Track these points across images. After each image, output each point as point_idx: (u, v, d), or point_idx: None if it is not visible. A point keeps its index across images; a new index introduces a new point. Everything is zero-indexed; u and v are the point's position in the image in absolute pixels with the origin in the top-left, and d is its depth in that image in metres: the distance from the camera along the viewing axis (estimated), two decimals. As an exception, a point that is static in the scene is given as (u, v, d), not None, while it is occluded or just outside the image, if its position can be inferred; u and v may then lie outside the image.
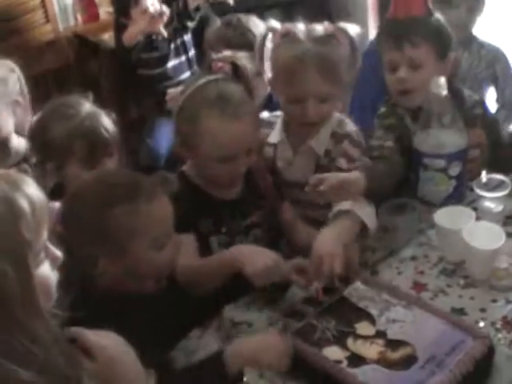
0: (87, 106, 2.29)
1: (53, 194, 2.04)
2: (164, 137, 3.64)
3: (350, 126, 2.29)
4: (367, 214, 2.02)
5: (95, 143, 2.22)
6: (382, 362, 1.60)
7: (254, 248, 1.93)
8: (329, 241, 1.90)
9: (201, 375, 1.61)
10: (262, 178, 2.19)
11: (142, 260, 1.71)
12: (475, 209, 2.10)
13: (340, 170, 2.17)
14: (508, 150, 2.41)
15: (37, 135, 2.30)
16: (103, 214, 1.66)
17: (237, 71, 2.05)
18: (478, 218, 2.02)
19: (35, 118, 2.37)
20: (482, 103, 2.52)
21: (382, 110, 2.43)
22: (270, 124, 2.35)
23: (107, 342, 1.32)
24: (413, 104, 2.33)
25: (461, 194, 2.20)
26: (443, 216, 2.01)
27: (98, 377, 1.29)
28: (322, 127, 2.24)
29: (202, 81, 2.01)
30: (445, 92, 2.14)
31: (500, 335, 1.75)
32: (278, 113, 2.36)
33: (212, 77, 2.02)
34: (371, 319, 1.73)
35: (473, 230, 1.93)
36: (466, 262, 1.96)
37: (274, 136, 2.32)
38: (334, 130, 2.26)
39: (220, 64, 2.06)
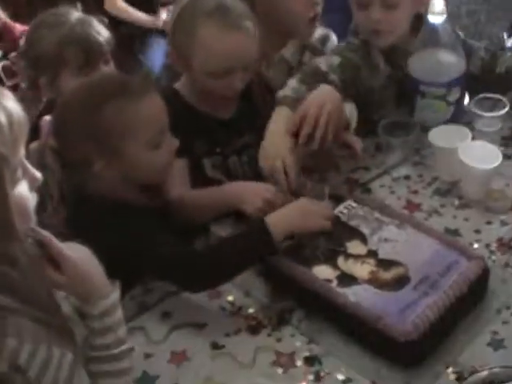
0: (76, 14, 2.20)
1: (46, 110, 2.00)
2: (157, 54, 3.52)
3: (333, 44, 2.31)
4: (348, 109, 2.02)
5: (89, 49, 2.12)
6: (374, 281, 1.55)
7: (249, 185, 1.85)
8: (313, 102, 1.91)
9: (248, 244, 1.62)
10: (261, 96, 2.08)
11: (139, 160, 1.66)
12: (472, 128, 2.03)
13: None
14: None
15: (27, 50, 2.22)
16: (93, 115, 1.60)
17: None
18: (474, 138, 1.94)
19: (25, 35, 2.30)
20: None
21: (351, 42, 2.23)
22: None
23: (77, 254, 1.27)
24: (384, 44, 2.16)
25: (459, 117, 2.11)
26: (438, 135, 1.94)
27: (67, 289, 1.28)
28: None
29: None
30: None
31: (494, 257, 1.71)
32: None
33: None
34: (363, 238, 1.67)
35: (469, 149, 1.86)
36: (461, 182, 1.91)
37: None
38: (311, 44, 2.26)
39: None
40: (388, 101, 2.22)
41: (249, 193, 1.80)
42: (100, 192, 1.65)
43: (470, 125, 2.05)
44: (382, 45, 2.16)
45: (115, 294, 1.31)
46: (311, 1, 2.19)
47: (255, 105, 2.06)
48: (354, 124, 2.03)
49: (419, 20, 2.13)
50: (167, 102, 1.89)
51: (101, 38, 2.15)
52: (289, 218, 1.66)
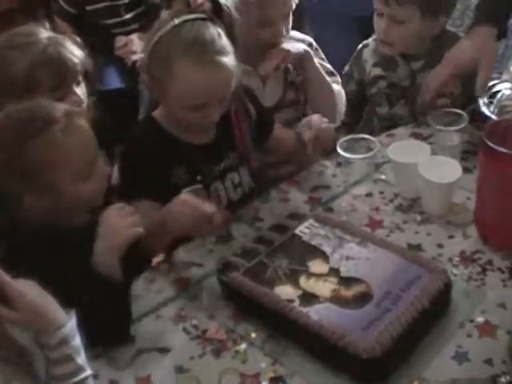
0: (46, 33, 2.07)
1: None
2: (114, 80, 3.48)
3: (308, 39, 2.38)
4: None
5: (62, 71, 2.01)
6: (336, 300, 1.54)
7: (178, 207, 1.76)
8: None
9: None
10: (236, 123, 2.05)
11: (68, 192, 1.62)
12: (431, 143, 2.04)
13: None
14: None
15: None
16: (19, 151, 1.56)
17: (218, 10, 1.86)
18: (434, 153, 1.95)
19: None
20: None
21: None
22: None
23: (25, 288, 1.26)
24: (391, 53, 2.39)
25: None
26: (398, 151, 1.95)
27: (22, 324, 1.28)
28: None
29: (179, 20, 1.81)
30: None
31: (457, 271, 1.71)
32: None
33: (190, 16, 1.81)
34: (324, 257, 1.66)
35: (428, 164, 1.86)
36: (422, 198, 1.91)
37: None
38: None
39: (200, 0, 1.88)
40: None
41: (177, 216, 1.74)
42: (32, 228, 1.61)
43: (429, 138, 2.07)
44: (389, 53, 2.38)
45: (71, 322, 1.29)
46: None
47: (233, 128, 2.03)
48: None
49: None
50: (145, 132, 1.92)
51: (75, 59, 2.04)
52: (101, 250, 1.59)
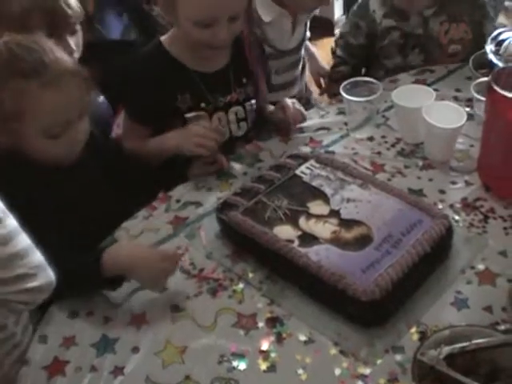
0: None
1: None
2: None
3: None
4: None
5: (53, 19, 1.93)
6: (336, 241, 1.52)
7: (182, 130, 1.86)
8: None
9: (74, 274, 1.49)
10: (251, 52, 2.04)
11: (32, 145, 1.58)
12: (436, 90, 2.01)
13: None
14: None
15: None
16: None
17: None
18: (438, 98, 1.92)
19: None
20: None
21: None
22: None
23: None
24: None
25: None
26: (402, 95, 1.92)
27: None
28: None
29: None
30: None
31: (459, 217, 1.69)
32: None
33: None
34: (325, 198, 1.64)
35: (432, 109, 1.83)
36: (425, 143, 1.88)
37: (266, 14, 2.24)
38: None
39: None
40: None
41: (181, 135, 1.84)
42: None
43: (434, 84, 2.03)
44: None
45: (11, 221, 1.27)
46: None
47: (246, 60, 2.01)
48: None
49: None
50: (150, 56, 1.88)
51: (69, 11, 1.97)
52: (127, 263, 1.54)
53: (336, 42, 2.57)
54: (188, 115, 1.91)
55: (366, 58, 2.52)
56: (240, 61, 1.98)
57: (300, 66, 2.49)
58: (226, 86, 1.96)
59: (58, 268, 1.37)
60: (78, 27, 1.99)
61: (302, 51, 2.46)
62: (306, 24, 2.41)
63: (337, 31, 4.65)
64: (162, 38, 1.93)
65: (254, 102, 2.03)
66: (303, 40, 2.42)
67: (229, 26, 1.79)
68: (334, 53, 2.58)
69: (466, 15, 2.31)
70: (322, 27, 4.10)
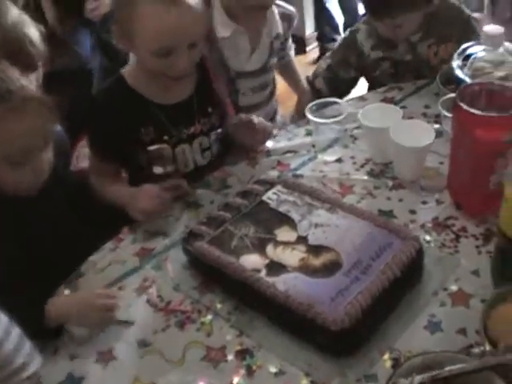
0: (15, 12, 1.96)
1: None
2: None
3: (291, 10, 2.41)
4: None
5: (18, 57, 1.85)
6: (304, 269, 1.48)
7: (136, 190, 1.82)
8: None
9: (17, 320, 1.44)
10: (215, 75, 2.01)
11: None
12: (403, 107, 1.98)
13: None
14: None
15: None
16: None
17: None
18: (406, 117, 1.90)
19: None
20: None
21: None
22: None
23: None
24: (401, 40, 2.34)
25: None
26: (369, 114, 1.89)
27: None
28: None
29: None
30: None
31: (430, 237, 1.66)
32: None
33: None
34: (292, 224, 1.60)
35: (400, 128, 1.80)
36: (394, 163, 1.86)
37: (221, 30, 2.20)
38: (280, 11, 2.30)
39: None
40: None
41: (132, 195, 1.80)
42: None
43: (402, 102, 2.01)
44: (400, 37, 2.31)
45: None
46: None
47: (211, 88, 1.98)
48: None
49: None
50: (112, 91, 1.86)
51: (33, 50, 1.92)
52: (68, 308, 1.55)
53: (316, 73, 2.53)
54: (150, 148, 1.88)
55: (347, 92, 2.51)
56: (205, 89, 1.95)
57: (267, 92, 2.45)
58: (189, 118, 1.92)
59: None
60: (40, 63, 1.95)
61: (269, 77, 2.42)
62: (271, 48, 2.35)
63: (309, 48, 4.68)
64: (123, 71, 1.90)
65: (219, 131, 2.00)
66: (266, 64, 2.36)
67: (188, 54, 1.76)
68: (310, 83, 2.55)
69: (453, 34, 2.29)
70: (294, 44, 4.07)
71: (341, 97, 2.38)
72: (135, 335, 1.51)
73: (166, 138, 1.89)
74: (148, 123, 1.86)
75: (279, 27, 2.29)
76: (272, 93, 2.48)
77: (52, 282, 1.64)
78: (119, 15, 1.78)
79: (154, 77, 1.83)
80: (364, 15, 2.52)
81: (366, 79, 2.49)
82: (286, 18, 2.33)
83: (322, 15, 4.44)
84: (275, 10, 2.26)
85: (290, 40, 2.51)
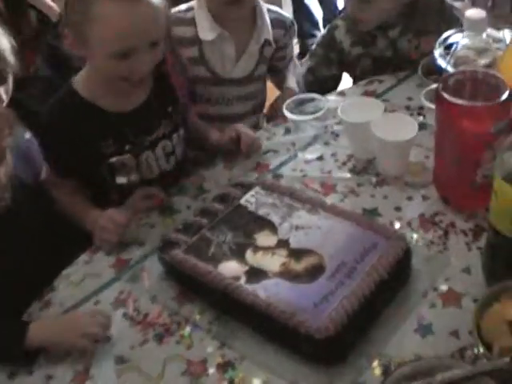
0: None
1: None
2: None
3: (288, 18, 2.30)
4: None
5: None
6: (285, 274, 1.41)
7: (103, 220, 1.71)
8: None
9: None
10: (175, 80, 1.91)
11: None
12: (385, 100, 1.92)
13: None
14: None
15: None
16: None
17: None
18: (388, 110, 1.83)
19: None
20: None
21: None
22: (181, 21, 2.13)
23: None
24: (364, 29, 2.26)
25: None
26: (349, 109, 1.81)
27: None
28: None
29: None
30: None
31: (417, 235, 1.59)
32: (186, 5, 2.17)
33: None
34: (272, 228, 1.53)
35: (382, 122, 1.74)
36: (377, 158, 1.79)
37: (205, 32, 2.10)
38: (273, 17, 2.19)
39: None
40: None
41: (93, 221, 1.72)
42: None
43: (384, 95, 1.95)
44: (362, 29, 2.25)
45: None
46: None
47: (170, 87, 1.89)
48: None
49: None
50: (63, 104, 1.75)
51: (2, 64, 1.90)
52: (51, 330, 1.49)
53: (297, 79, 2.45)
54: (112, 160, 1.79)
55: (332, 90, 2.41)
56: (163, 88, 1.85)
57: (254, 102, 2.31)
58: (149, 122, 1.83)
59: None
60: (10, 76, 1.86)
61: (257, 87, 2.29)
62: (260, 55, 2.23)
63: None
64: (74, 81, 1.79)
65: (181, 132, 1.91)
66: (254, 72, 2.23)
67: (150, 54, 1.66)
68: None
69: (433, 26, 2.22)
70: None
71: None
72: (112, 352, 1.44)
73: (127, 147, 1.80)
74: (107, 135, 1.76)
75: (270, 33, 2.18)
76: (260, 105, 2.35)
77: (24, 298, 1.57)
78: (72, 17, 1.66)
79: (110, 84, 1.73)
80: (342, 10, 2.44)
81: (350, 76, 2.42)
82: (280, 24, 2.21)
83: (301, 11, 4.36)
84: (266, 15, 2.16)
85: (293, 52, 2.41)
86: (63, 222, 1.76)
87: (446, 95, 1.49)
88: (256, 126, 2.28)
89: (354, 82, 2.38)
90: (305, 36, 4.32)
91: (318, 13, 4.42)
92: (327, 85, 2.39)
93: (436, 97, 1.56)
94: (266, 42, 2.18)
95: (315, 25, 4.43)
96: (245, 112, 2.28)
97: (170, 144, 1.88)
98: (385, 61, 2.29)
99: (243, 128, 1.95)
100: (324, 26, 4.47)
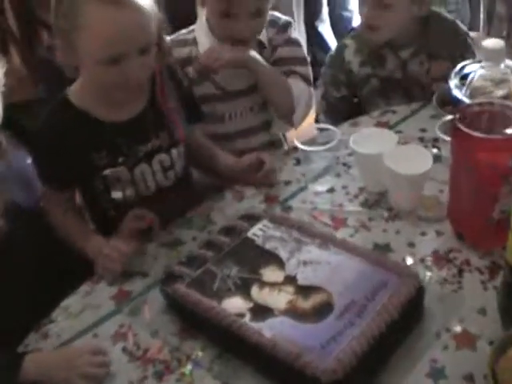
0: None
1: None
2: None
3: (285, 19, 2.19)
4: None
5: None
6: (292, 312, 1.34)
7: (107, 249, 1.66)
8: None
9: None
10: (163, 92, 1.82)
11: None
12: (398, 132, 1.86)
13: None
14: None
15: None
16: None
17: None
18: (401, 142, 1.78)
19: None
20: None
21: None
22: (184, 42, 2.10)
23: None
24: (377, 40, 2.23)
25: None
26: (361, 140, 1.76)
27: None
28: None
29: None
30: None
31: (430, 273, 1.52)
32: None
33: None
34: (280, 263, 1.47)
35: (395, 154, 1.68)
36: (390, 192, 1.73)
37: (204, 45, 2.07)
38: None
39: None
40: None
41: (100, 253, 1.66)
42: None
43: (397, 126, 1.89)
44: (374, 40, 2.22)
45: None
46: None
47: (166, 100, 1.82)
48: None
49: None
50: (55, 114, 1.70)
51: None
52: (48, 364, 1.43)
53: (317, 111, 2.44)
54: (105, 173, 1.73)
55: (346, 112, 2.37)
56: (157, 102, 1.79)
57: (263, 116, 2.24)
58: (144, 134, 1.77)
59: None
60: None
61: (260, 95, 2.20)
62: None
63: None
64: (69, 91, 1.74)
65: (182, 148, 1.86)
66: (252, 86, 2.16)
67: (140, 61, 1.61)
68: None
69: (446, 51, 2.20)
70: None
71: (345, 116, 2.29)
72: (109, 389, 1.37)
73: (120, 160, 1.74)
74: (100, 146, 1.70)
75: (264, 35, 2.12)
76: (267, 119, 2.27)
77: (20, 329, 1.52)
78: (60, 26, 1.62)
79: (105, 93, 1.68)
80: (352, 29, 2.40)
81: (355, 97, 2.37)
82: (271, 23, 2.13)
83: (315, 39, 4.33)
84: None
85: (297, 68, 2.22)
86: (62, 250, 1.70)
87: (462, 127, 1.44)
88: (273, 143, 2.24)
89: (359, 104, 2.35)
90: (318, 64, 4.28)
91: (331, 40, 4.38)
92: (339, 108, 2.36)
93: (452, 128, 1.51)
94: (261, 44, 2.12)
95: (328, 53, 4.38)
96: (250, 127, 2.21)
97: (168, 158, 1.82)
98: (393, 82, 2.25)
99: (268, 156, 1.90)
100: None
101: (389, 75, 2.25)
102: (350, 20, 4.44)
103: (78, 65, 1.69)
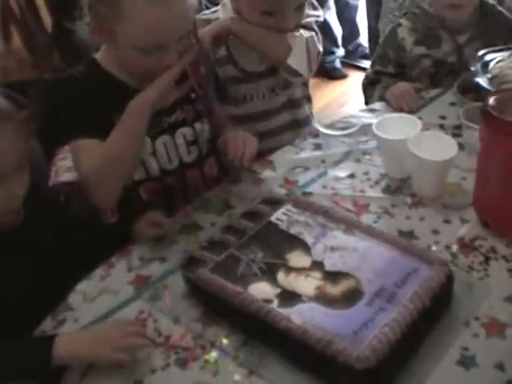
0: None
1: None
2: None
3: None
4: None
5: None
6: (321, 298, 1.32)
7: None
8: None
9: (20, 355, 1.33)
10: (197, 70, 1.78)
11: None
12: (421, 118, 1.83)
13: None
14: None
15: None
16: None
17: None
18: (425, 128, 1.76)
19: None
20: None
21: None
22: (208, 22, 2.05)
23: None
24: (460, 18, 2.20)
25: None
26: (384, 125, 1.74)
27: None
28: None
29: None
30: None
31: (457, 260, 1.50)
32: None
33: None
34: (306, 248, 1.44)
35: (419, 140, 1.66)
36: (414, 177, 1.71)
37: None
38: None
39: None
40: None
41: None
42: None
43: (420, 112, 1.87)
44: (462, 16, 2.20)
45: None
46: None
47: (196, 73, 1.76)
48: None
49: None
50: (85, 72, 1.66)
51: None
52: (80, 342, 1.37)
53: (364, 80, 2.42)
54: None
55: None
56: (183, 75, 1.74)
57: (286, 96, 2.20)
58: (170, 104, 1.72)
59: None
60: None
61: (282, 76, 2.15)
62: None
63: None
64: (97, 55, 1.71)
65: (206, 124, 1.82)
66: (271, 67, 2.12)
67: (176, 47, 1.58)
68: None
69: (501, 42, 2.16)
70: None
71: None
72: (131, 376, 1.34)
73: None
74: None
75: None
76: (289, 99, 2.21)
77: (38, 315, 1.48)
78: (97, 7, 1.58)
79: (134, 69, 1.65)
80: (406, 13, 2.37)
81: (403, 78, 2.32)
82: None
83: (321, 27, 4.30)
84: None
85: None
86: (76, 235, 1.66)
87: (494, 113, 1.41)
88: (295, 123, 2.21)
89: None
90: (324, 53, 4.25)
91: (337, 30, 4.35)
92: (385, 83, 2.30)
93: (483, 115, 1.47)
94: None
95: (334, 42, 4.36)
96: (277, 106, 2.18)
97: (191, 132, 1.79)
98: (446, 65, 2.23)
99: (235, 138, 1.79)
100: (343, 43, 4.41)
101: (443, 58, 2.23)
102: (355, 8, 4.42)
103: (109, 44, 1.65)
